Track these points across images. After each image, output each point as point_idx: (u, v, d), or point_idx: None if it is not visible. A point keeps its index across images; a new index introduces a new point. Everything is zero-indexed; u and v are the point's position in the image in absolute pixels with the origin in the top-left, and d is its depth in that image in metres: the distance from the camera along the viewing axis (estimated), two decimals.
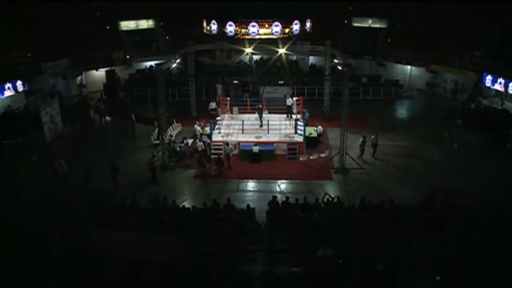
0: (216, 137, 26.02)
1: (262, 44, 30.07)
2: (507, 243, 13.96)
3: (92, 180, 21.60)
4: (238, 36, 30.55)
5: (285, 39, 30.44)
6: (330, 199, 18.08)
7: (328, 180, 22.29)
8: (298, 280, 13.54)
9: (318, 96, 34.95)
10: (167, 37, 43.33)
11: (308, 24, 31.39)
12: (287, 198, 18.20)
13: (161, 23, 43.02)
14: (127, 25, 41.58)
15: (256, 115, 28.23)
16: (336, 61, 27.59)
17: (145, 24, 42.42)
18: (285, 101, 29.60)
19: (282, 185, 21.95)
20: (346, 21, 42.23)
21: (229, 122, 28.59)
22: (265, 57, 42.30)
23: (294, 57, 42.71)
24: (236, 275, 13.24)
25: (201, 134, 26.76)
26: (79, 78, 37.45)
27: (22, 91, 31.53)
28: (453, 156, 24.80)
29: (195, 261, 14.07)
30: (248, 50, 29.57)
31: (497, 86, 30.41)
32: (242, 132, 26.49)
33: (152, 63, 39.16)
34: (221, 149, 24.96)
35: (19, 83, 30.94)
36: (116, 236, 14.71)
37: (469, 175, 22.06)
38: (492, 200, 18.11)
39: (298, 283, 13.35)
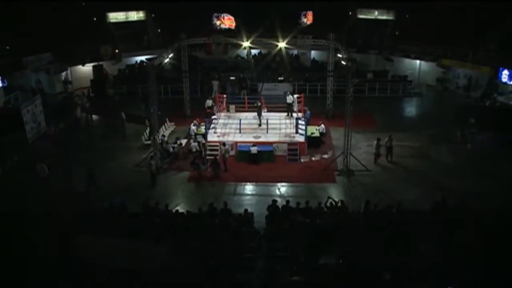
0: (211, 137, 26.05)
1: (261, 38, 30.16)
2: None
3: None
4: (236, 29, 30.72)
5: (285, 33, 30.52)
6: (334, 203, 18.11)
7: (331, 183, 22.33)
8: None
9: (320, 93, 35.04)
10: (159, 30, 43.38)
11: (306, 17, 31.51)
12: (288, 202, 18.23)
13: (153, 15, 43.03)
14: (116, 16, 41.59)
15: (255, 114, 28.28)
16: (339, 55, 27.68)
17: (135, 16, 42.41)
18: (285, 99, 29.66)
19: (282, 188, 21.99)
20: (350, 13, 42.30)
21: (226, 121, 28.63)
22: (264, 51, 42.43)
23: (295, 52, 42.84)
24: (233, 285, 13.26)
25: (196, 134, 26.79)
26: (63, 73, 37.43)
27: (1, 87, 31.44)
28: (466, 157, 24.85)
29: (189, 270, 14.07)
30: (246, 44, 29.64)
31: None
32: (240, 132, 26.54)
33: (143, 57, 39.19)
34: (217, 150, 25.00)
35: None
36: (103, 243, 14.69)
37: (483, 177, 22.08)
38: (509, 204, 18.14)
39: None
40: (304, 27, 28.48)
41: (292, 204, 18.07)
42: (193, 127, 27.38)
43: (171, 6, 40.37)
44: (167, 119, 29.88)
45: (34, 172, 21.83)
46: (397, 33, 40.77)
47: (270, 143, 25.40)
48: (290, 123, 27.99)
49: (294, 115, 28.76)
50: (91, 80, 37.13)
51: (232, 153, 25.04)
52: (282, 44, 29.08)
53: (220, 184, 22.42)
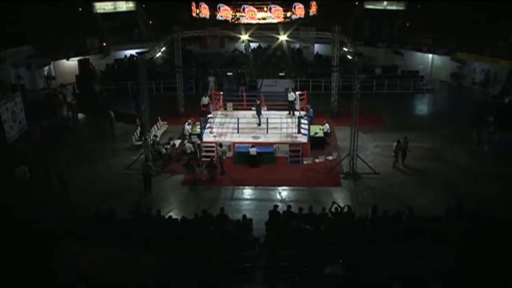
0: (207, 138, 26.09)
1: (260, 30, 30.16)
2: None
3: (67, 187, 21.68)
4: (233, 20, 30.65)
5: (286, 24, 30.53)
6: (339, 208, 18.16)
7: (336, 187, 22.39)
8: None
9: (324, 90, 35.12)
10: (150, 22, 43.39)
11: (311, 8, 31.52)
12: (289, 207, 18.25)
13: (143, 5, 43.05)
14: (103, 6, 41.63)
15: (254, 112, 28.32)
16: (345, 49, 27.70)
17: (124, 6, 42.44)
18: (287, 96, 29.69)
19: (283, 193, 22.04)
20: (357, 3, 42.38)
21: (223, 120, 28.68)
22: (263, 45, 42.48)
23: (297, 45, 42.89)
24: None
25: (190, 134, 26.83)
26: (46, 68, 37.39)
27: None
28: (483, 159, 24.91)
29: (183, 281, 14.09)
30: (244, 37, 29.65)
31: None
32: (238, 132, 26.59)
33: (133, 51, 39.26)
34: (213, 152, 25.03)
35: None
36: (89, 253, 14.68)
37: (502, 181, 22.08)
38: None
39: None
40: (294, 20, 28.53)
41: (294, 209, 18.10)
42: (187, 127, 27.41)
43: None
44: (159, 118, 29.91)
45: (13, 175, 21.82)
46: (407, 24, 40.81)
47: (271, 144, 25.44)
48: (292, 123, 28.04)
49: (296, 113, 28.81)
50: (76, 76, 37.08)
51: (229, 154, 25.07)
52: (283, 37, 29.10)
53: (217, 188, 22.47)
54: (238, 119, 27.05)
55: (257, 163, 24.50)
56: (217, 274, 14.79)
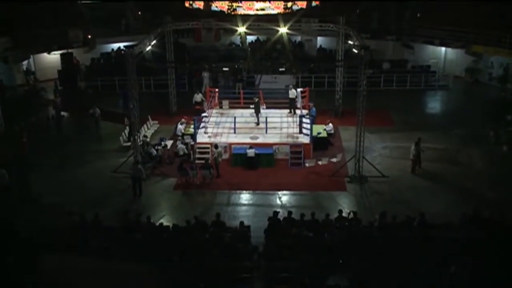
0: (201, 138, 26.14)
1: (259, 21, 30.25)
2: None
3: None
4: (229, 11, 30.80)
5: (287, 16, 30.64)
6: (347, 215, 18.25)
7: (341, 192, 22.44)
8: None
9: (328, 87, 35.17)
10: (139, 12, 43.40)
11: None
12: (290, 213, 18.32)
13: None
14: None
15: (252, 111, 28.38)
16: (350, 42, 27.77)
17: None
18: (287, 93, 29.76)
19: (283, 198, 22.09)
20: None
21: (218, 119, 28.74)
22: (262, 38, 42.51)
23: (298, 38, 42.94)
24: None
25: (183, 134, 26.87)
26: (25, 63, 37.36)
27: None
28: (501, 161, 24.98)
29: None
30: (241, 29, 29.71)
31: None
32: (234, 132, 26.62)
33: (121, 45, 39.25)
34: (208, 153, 25.08)
35: None
36: (73, 264, 14.69)
37: None
38: None
39: None
40: (296, 11, 28.57)
41: (296, 215, 18.17)
42: (179, 126, 27.45)
43: None
44: (149, 117, 29.94)
45: None
46: (418, 15, 40.87)
47: (270, 145, 25.50)
48: (293, 122, 28.10)
49: (298, 112, 28.87)
50: (58, 71, 37.07)
51: (225, 156, 25.12)
52: (283, 30, 29.13)
53: (212, 193, 22.49)
54: (234, 118, 27.05)
55: (256, 165, 24.54)
56: (212, 286, 14.82)
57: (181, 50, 38.54)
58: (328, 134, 27.14)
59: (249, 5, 28.08)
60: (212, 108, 29.92)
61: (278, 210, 18.78)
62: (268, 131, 26.66)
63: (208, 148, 25.31)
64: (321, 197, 21.92)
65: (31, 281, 14.06)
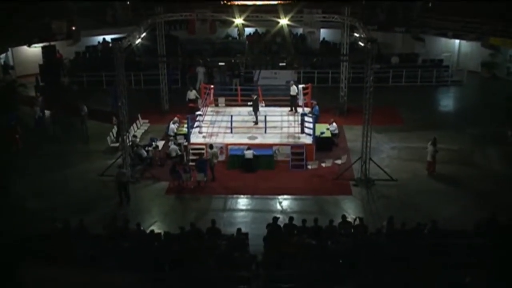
0: (195, 138, 26.18)
1: (257, 12, 30.27)
2: None
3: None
4: (225, 1, 30.83)
5: (287, 6, 30.68)
6: (353, 221, 18.30)
7: (346, 196, 22.50)
8: None
9: (332, 83, 35.23)
10: (128, 2, 43.41)
11: None
12: (291, 219, 18.33)
13: None
14: None
15: (250, 109, 28.42)
16: (356, 35, 27.81)
17: None
18: (288, 90, 29.81)
19: (284, 202, 22.13)
20: None
21: (213, 118, 28.78)
22: (261, 30, 42.55)
23: (300, 30, 42.99)
24: None
25: (176, 134, 26.91)
26: (3, 56, 37.35)
27: None
28: None
29: None
30: (239, 20, 29.74)
31: None
32: (231, 132, 26.67)
33: (108, 37, 39.26)
34: (203, 155, 25.07)
35: None
36: (56, 275, 14.71)
37: None
38: None
39: None
40: (297, 1, 28.50)
41: (297, 222, 18.18)
42: (172, 126, 27.48)
43: None
44: (139, 116, 29.97)
45: None
46: (430, 4, 40.88)
47: (269, 146, 25.55)
48: (294, 121, 28.16)
49: (299, 110, 28.93)
50: (40, 65, 37.07)
51: (221, 158, 25.16)
52: (284, 21, 29.19)
53: (207, 198, 22.54)
54: (231, 116, 27.10)
55: (254, 168, 24.59)
56: None
57: (174, 43, 38.59)
58: (332, 134, 27.18)
59: None
60: (207, 106, 29.93)
61: (278, 216, 18.81)
62: (268, 130, 26.70)
63: (203, 149, 25.33)
64: (324, 202, 21.98)
65: None
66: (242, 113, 29.05)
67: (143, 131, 29.26)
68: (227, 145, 25.61)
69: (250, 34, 43.09)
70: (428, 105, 33.71)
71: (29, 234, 17.65)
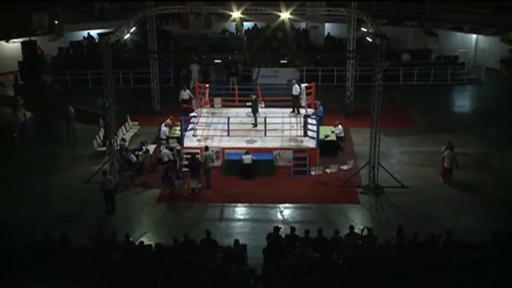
0: (189, 142, 26.22)
1: (256, 5, 30.33)
2: None
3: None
4: None
5: None
6: (360, 232, 18.34)
7: (353, 204, 22.51)
8: None
9: (337, 82, 35.30)
10: None
11: None
12: (293, 230, 18.35)
13: None
14: None
15: (248, 110, 28.47)
16: (364, 29, 27.89)
17: None
18: (290, 89, 29.87)
19: (285, 211, 22.15)
20: None
21: (209, 120, 28.83)
22: (260, 24, 42.63)
23: (303, 25, 43.07)
24: None
25: (168, 138, 26.94)
26: None
27: None
28: None
29: None
30: (236, 14, 29.80)
31: None
32: (228, 135, 26.72)
33: (94, 32, 39.29)
34: (196, 157, 25.10)
35: None
36: None
37: None
38: None
39: None
40: None
41: (300, 232, 18.21)
42: (164, 128, 27.51)
43: None
44: (128, 117, 30.01)
45: None
46: None
47: (270, 150, 25.60)
48: (297, 123, 28.23)
49: (302, 111, 28.98)
50: (19, 62, 37.09)
51: (217, 163, 25.20)
52: (285, 15, 29.24)
53: (202, 206, 22.58)
54: (228, 118, 27.13)
55: (253, 174, 24.63)
56: None
57: (166, 39, 38.68)
58: (337, 137, 27.22)
59: None
60: (202, 106, 29.98)
61: (279, 226, 18.78)
62: (268, 133, 26.76)
63: (197, 153, 25.34)
64: (329, 211, 22.00)
65: None
66: (240, 114, 29.12)
67: (132, 134, 29.28)
68: (223, 149, 25.63)
69: (248, 29, 43.16)
70: (442, 106, 33.77)
71: (8, 247, 17.60)
